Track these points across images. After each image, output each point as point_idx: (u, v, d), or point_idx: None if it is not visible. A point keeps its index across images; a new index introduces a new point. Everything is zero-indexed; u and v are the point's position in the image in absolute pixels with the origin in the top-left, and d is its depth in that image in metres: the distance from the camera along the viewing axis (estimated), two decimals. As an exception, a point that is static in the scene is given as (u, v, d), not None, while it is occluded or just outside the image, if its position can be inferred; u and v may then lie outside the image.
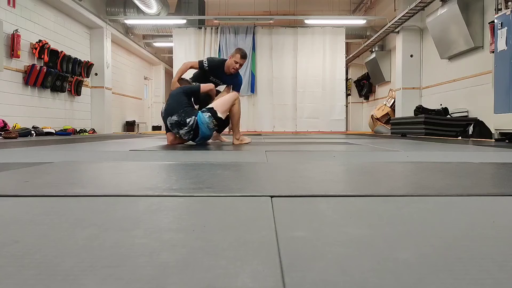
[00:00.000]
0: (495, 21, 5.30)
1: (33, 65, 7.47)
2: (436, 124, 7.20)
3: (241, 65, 4.34)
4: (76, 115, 9.41)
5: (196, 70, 4.49)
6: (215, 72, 4.41)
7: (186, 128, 3.84)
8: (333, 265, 0.58)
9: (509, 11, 5.02)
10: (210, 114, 3.82)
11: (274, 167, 1.98)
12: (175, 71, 11.03)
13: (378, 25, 11.28)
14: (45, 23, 8.09)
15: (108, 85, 10.35)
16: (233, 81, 4.52)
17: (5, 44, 6.80)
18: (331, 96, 11.17)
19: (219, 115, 3.85)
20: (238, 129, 4.14)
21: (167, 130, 4.07)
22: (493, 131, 5.61)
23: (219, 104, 3.94)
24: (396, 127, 8.47)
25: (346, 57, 12.11)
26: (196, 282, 0.52)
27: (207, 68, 4.38)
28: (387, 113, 10.63)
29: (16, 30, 7.01)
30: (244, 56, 4.31)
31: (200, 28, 11.22)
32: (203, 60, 4.41)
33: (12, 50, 6.92)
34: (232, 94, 4.06)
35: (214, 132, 4.20)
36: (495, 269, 0.57)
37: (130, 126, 12.45)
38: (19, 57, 7.09)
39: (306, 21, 10.83)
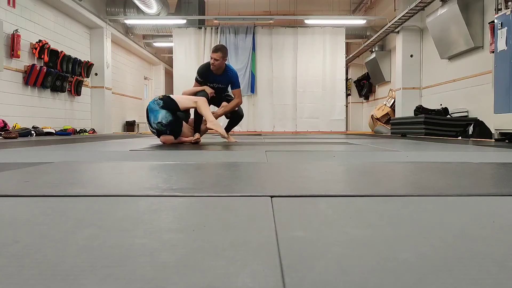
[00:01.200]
0: (495, 21, 5.30)
1: (33, 65, 7.47)
2: (436, 124, 7.20)
3: (216, 59, 4.20)
4: (76, 115, 9.41)
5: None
6: (208, 77, 4.36)
7: (146, 118, 4.09)
8: (333, 265, 0.58)
9: (509, 11, 5.02)
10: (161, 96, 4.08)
11: (274, 167, 1.98)
12: (175, 71, 11.08)
13: (378, 25, 11.28)
14: (45, 23, 8.09)
15: (108, 85, 10.35)
16: (228, 79, 4.42)
17: (5, 44, 6.80)
18: (331, 96, 11.16)
19: (173, 97, 4.02)
20: (209, 118, 4.03)
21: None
22: (493, 131, 5.61)
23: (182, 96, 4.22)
24: (396, 127, 8.47)
25: (346, 57, 12.10)
26: (196, 282, 0.52)
27: (200, 79, 4.38)
28: (387, 113, 10.63)
29: (16, 30, 7.01)
30: (215, 50, 4.22)
31: (200, 28, 11.23)
32: (195, 76, 4.43)
33: (12, 50, 6.92)
34: (196, 98, 4.09)
35: (223, 131, 4.23)
36: (495, 269, 0.57)
37: (130, 126, 12.45)
38: (19, 57, 7.09)
39: (306, 21, 10.83)
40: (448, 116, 7.67)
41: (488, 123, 6.47)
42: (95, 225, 0.81)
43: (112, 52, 10.83)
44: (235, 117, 4.70)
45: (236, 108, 4.64)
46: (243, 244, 0.68)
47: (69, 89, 8.85)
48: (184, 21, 10.67)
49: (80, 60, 9.08)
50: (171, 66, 11.96)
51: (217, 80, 4.39)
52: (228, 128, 4.72)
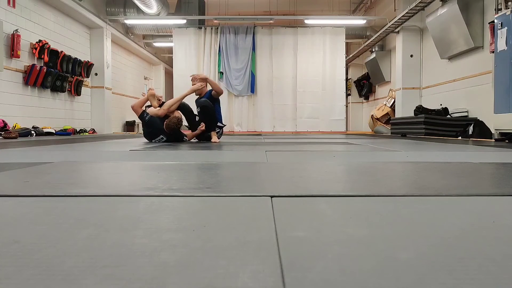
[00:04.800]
0: (495, 21, 5.30)
1: (33, 65, 7.46)
2: (436, 124, 7.20)
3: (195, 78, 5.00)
4: (76, 115, 9.41)
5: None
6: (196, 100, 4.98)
7: None
8: (333, 265, 0.58)
9: (509, 11, 5.02)
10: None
11: (274, 167, 1.98)
12: (175, 71, 11.08)
13: (378, 25, 11.27)
14: (45, 23, 8.09)
15: (108, 85, 10.35)
16: (207, 95, 4.88)
17: (5, 44, 6.80)
18: (331, 96, 11.16)
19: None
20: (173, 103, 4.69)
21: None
22: (493, 131, 5.61)
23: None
24: (396, 127, 8.47)
25: (346, 57, 12.10)
26: (196, 282, 0.52)
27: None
28: (387, 113, 10.63)
29: (16, 30, 7.01)
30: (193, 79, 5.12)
31: (200, 28, 11.22)
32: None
33: (12, 50, 6.92)
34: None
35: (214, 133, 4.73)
36: (495, 269, 0.57)
37: (130, 126, 12.45)
38: (19, 57, 7.09)
39: (306, 21, 10.83)
40: (448, 116, 7.67)
41: (488, 123, 6.47)
42: (95, 225, 0.81)
43: (112, 52, 10.82)
44: (205, 116, 4.81)
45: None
46: (243, 244, 0.68)
47: (69, 89, 8.84)
48: (184, 21, 10.66)
49: (80, 60, 9.08)
50: (171, 66, 11.96)
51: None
52: (208, 128, 4.77)
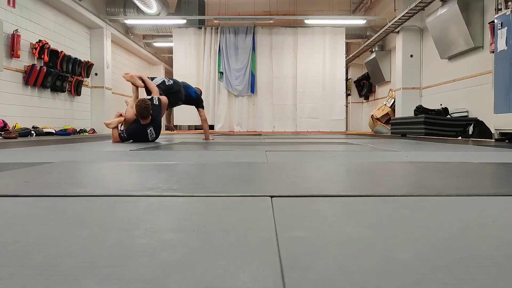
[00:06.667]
0: (495, 21, 5.30)
1: (33, 65, 7.46)
2: (436, 124, 7.20)
3: None
4: (76, 115, 9.41)
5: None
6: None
7: None
8: (333, 265, 0.58)
9: (509, 11, 5.02)
10: None
11: (274, 167, 1.98)
12: (175, 71, 11.08)
13: (378, 25, 11.27)
14: (45, 23, 8.09)
15: (108, 85, 10.34)
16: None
17: (5, 44, 6.80)
18: (331, 96, 11.16)
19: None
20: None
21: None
22: (493, 131, 5.60)
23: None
24: (396, 127, 8.47)
25: (346, 57, 12.10)
26: (196, 282, 0.52)
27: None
28: (387, 113, 10.63)
29: (16, 30, 7.01)
30: None
31: (200, 28, 11.22)
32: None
33: (12, 50, 6.92)
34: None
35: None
36: (495, 269, 0.57)
37: (130, 126, 12.44)
38: (19, 57, 7.08)
39: (306, 21, 10.83)
40: (448, 116, 7.67)
41: (488, 123, 6.47)
42: (95, 225, 0.81)
43: (112, 52, 10.82)
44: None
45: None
46: (243, 244, 0.68)
47: (69, 89, 8.84)
48: (184, 21, 10.66)
49: (80, 60, 9.08)
50: (171, 66, 11.95)
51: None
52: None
